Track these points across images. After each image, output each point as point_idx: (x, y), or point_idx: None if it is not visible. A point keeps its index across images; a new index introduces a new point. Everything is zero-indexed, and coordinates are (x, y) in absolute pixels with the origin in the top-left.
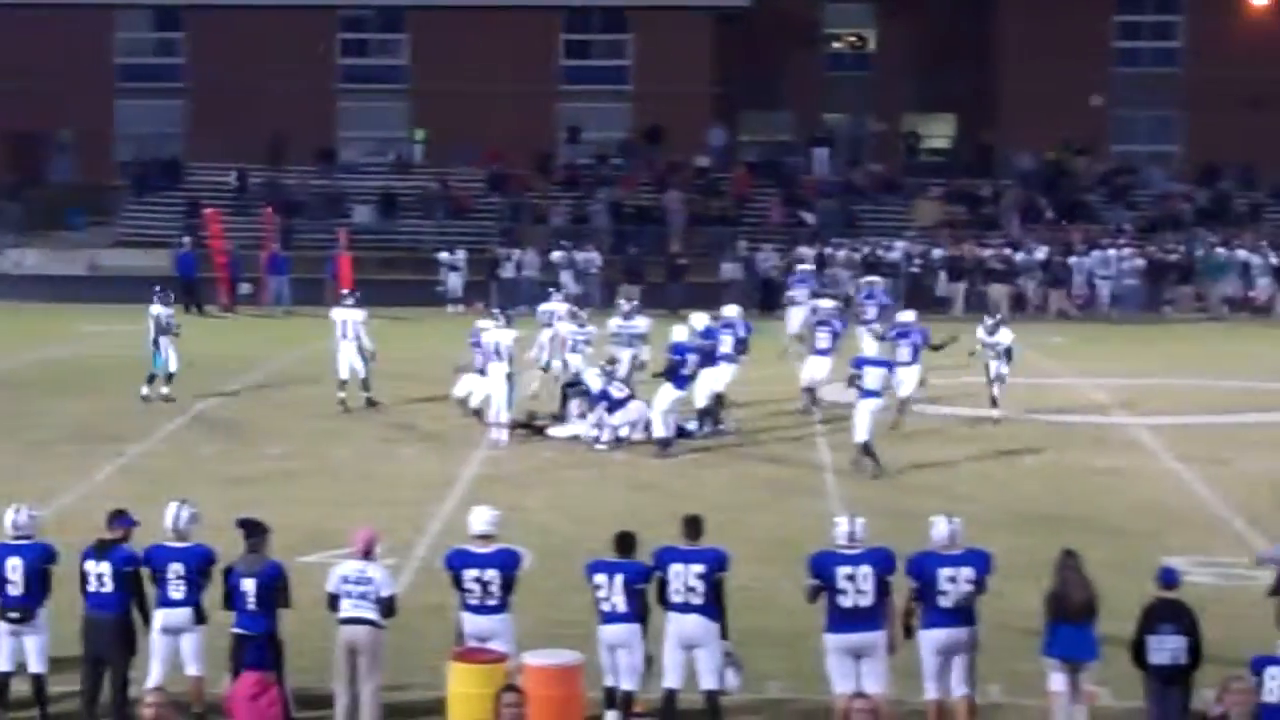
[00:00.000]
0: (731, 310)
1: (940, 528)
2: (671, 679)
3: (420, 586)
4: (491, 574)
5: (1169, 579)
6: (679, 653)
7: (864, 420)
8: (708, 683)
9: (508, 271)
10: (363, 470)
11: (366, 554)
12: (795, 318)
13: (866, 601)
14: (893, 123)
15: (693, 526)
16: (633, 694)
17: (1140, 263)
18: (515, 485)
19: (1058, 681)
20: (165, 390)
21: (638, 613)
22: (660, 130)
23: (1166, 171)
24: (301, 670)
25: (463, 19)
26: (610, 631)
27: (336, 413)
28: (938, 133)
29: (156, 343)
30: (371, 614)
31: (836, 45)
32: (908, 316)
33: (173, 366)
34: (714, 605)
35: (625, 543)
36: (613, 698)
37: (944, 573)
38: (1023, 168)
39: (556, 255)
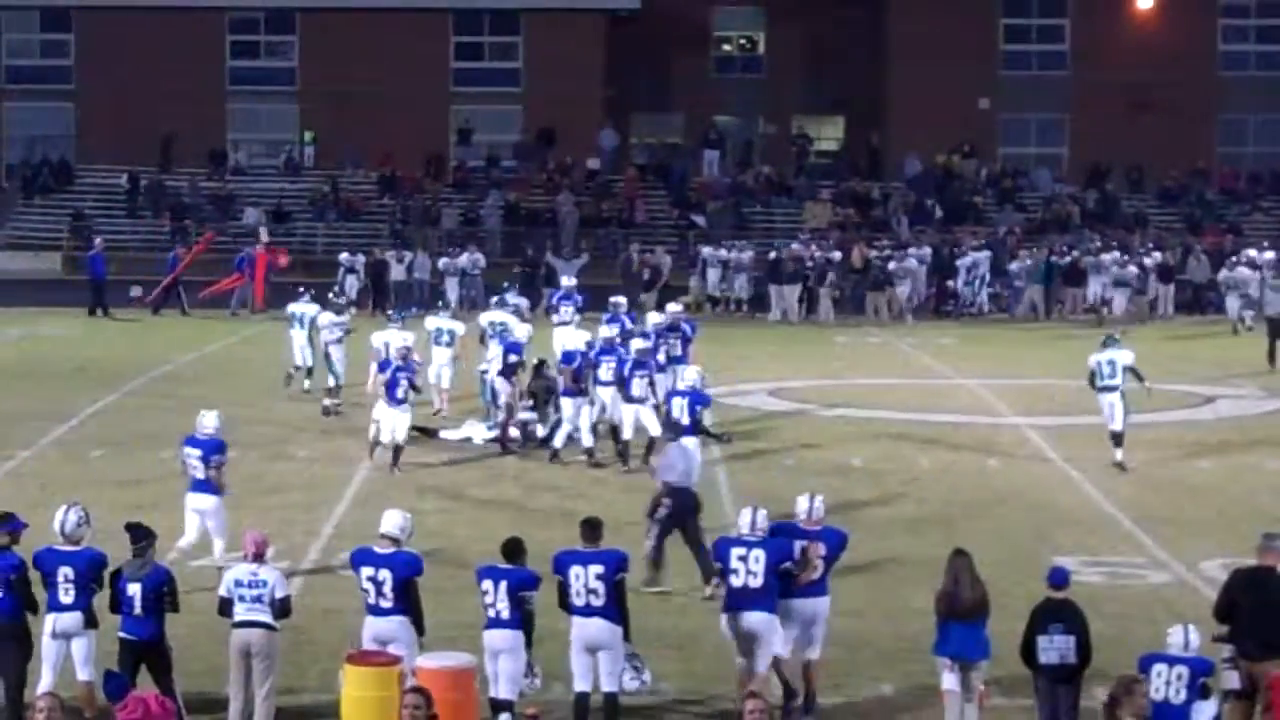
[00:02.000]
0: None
1: (801, 504)
2: (580, 683)
3: (313, 590)
4: (385, 575)
5: (1058, 579)
6: (584, 656)
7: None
8: (606, 685)
9: (398, 274)
10: (254, 472)
11: (258, 557)
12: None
13: (756, 583)
14: (783, 125)
15: (591, 529)
16: (512, 703)
17: (1029, 264)
18: (411, 488)
19: (950, 680)
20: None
21: (520, 620)
22: (551, 132)
23: (1054, 173)
24: (192, 675)
25: (353, 21)
26: (493, 637)
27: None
28: (827, 135)
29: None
30: (265, 617)
31: (726, 48)
32: (656, 318)
33: None
34: (615, 607)
35: (513, 549)
36: (496, 705)
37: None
38: (912, 170)
39: (443, 262)
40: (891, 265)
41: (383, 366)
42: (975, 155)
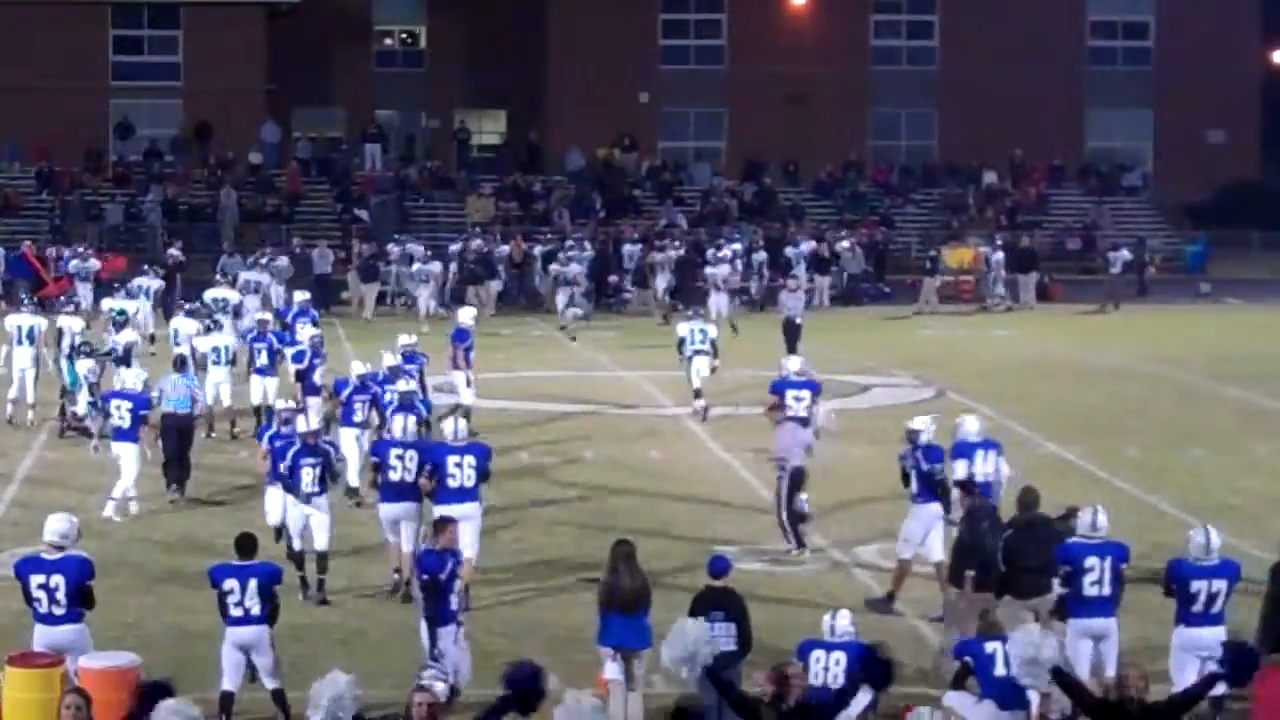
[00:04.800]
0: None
1: None
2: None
3: None
4: (58, 580)
5: (718, 567)
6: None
7: None
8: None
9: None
10: None
11: None
12: None
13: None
14: (445, 119)
15: (244, 544)
16: (282, 690)
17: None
18: (72, 486)
19: (612, 670)
20: None
21: (269, 614)
22: (211, 127)
23: (713, 167)
24: None
25: (8, 12)
26: (242, 634)
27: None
28: (490, 129)
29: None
30: None
31: (387, 42)
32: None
33: None
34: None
35: (246, 545)
36: (227, 704)
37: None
38: (573, 164)
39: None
40: (554, 268)
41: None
42: (635, 149)
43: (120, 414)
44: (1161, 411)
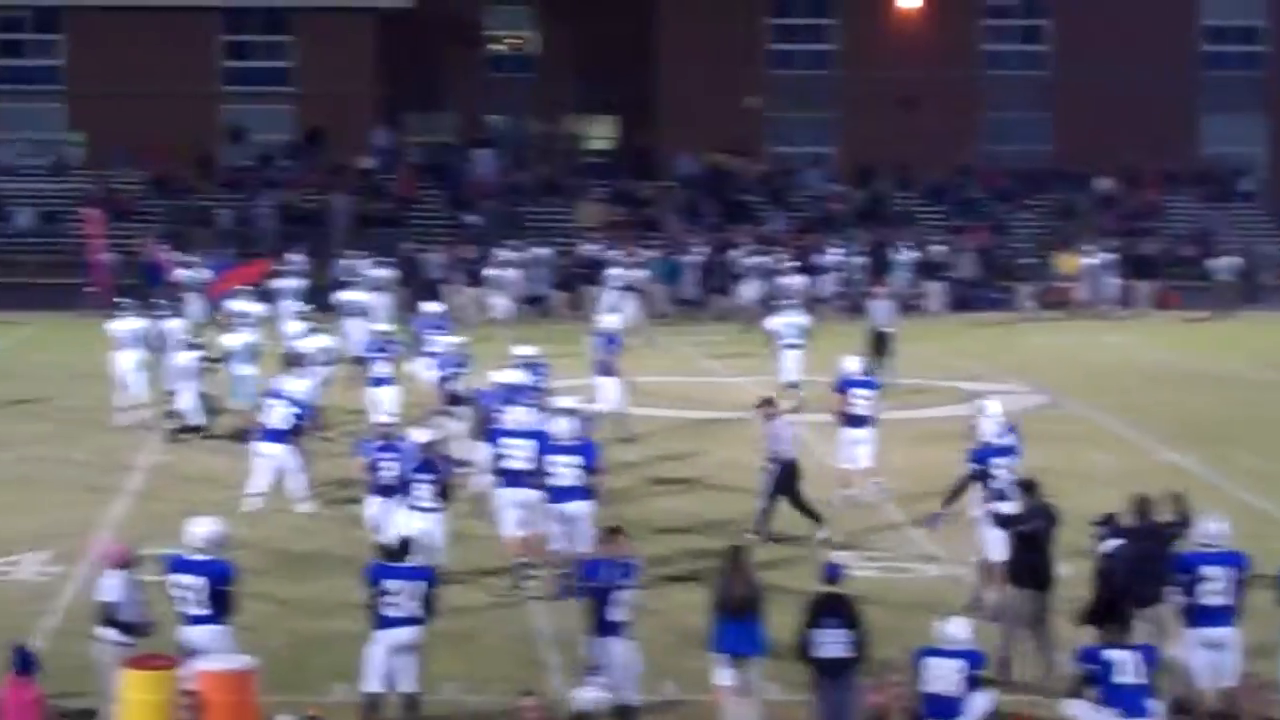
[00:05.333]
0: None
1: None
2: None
3: (90, 594)
4: (199, 582)
5: (832, 574)
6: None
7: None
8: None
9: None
10: (28, 475)
11: (125, 565)
12: None
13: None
14: (555, 124)
15: (400, 547)
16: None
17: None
18: (189, 488)
19: (725, 676)
20: None
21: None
22: (324, 132)
23: (823, 173)
24: None
25: (120, 20)
26: (396, 635)
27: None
28: (599, 134)
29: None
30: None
31: (498, 47)
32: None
33: None
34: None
35: (401, 548)
36: (373, 705)
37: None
38: (683, 169)
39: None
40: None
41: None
42: (746, 154)
43: (279, 415)
44: (1275, 418)
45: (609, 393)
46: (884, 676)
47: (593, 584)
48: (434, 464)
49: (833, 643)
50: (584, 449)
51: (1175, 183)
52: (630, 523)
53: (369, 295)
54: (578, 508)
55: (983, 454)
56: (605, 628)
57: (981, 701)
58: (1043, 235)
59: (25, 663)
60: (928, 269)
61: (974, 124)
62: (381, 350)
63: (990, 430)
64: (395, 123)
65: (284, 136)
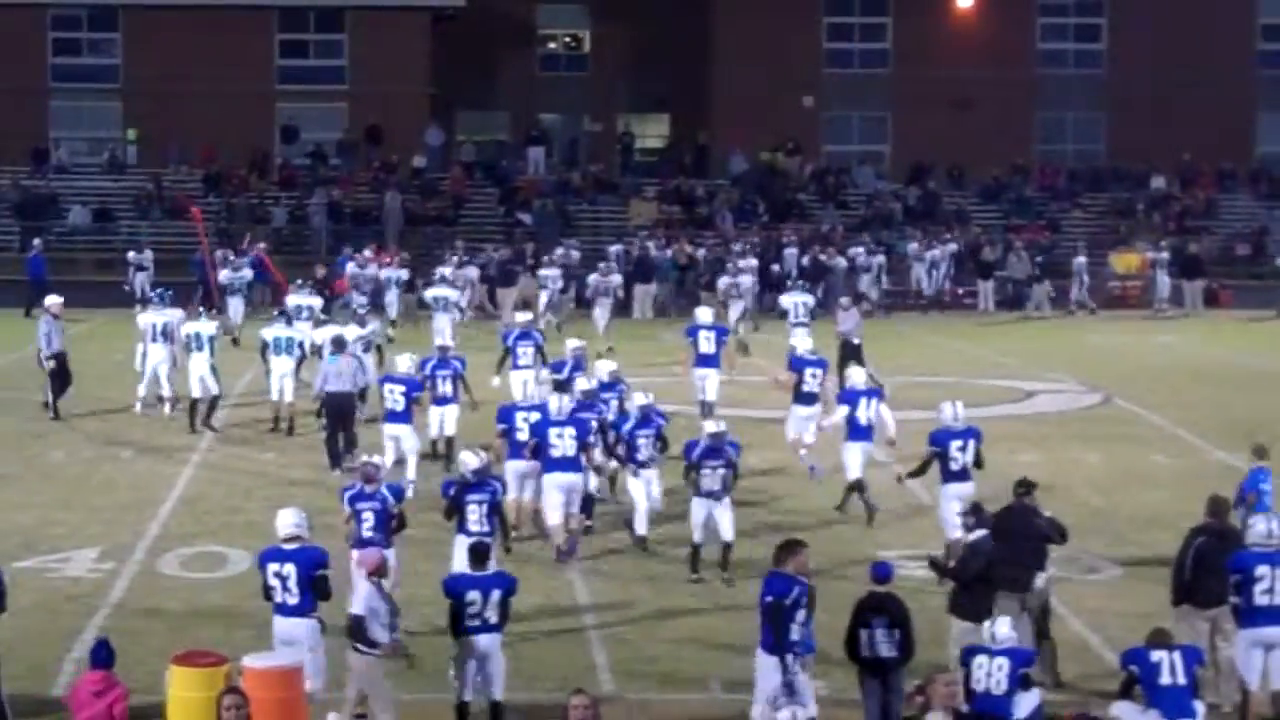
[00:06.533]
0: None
1: None
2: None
3: (139, 591)
4: (290, 569)
5: (881, 573)
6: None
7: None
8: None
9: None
10: (79, 473)
11: (377, 573)
12: None
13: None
14: (608, 123)
15: (479, 553)
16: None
17: (841, 262)
18: (237, 486)
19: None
20: None
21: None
22: (377, 130)
23: (876, 171)
24: (14, 678)
25: (176, 18)
26: (477, 642)
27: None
28: (652, 133)
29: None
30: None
31: (551, 45)
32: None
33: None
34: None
35: (481, 554)
36: (463, 714)
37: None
38: (736, 168)
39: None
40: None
41: (422, 364)
42: (799, 153)
43: (394, 397)
44: None
45: (711, 384)
46: (932, 677)
47: (771, 599)
48: (485, 485)
49: (881, 642)
50: (579, 423)
51: (1231, 181)
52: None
53: (455, 293)
54: (572, 479)
55: (941, 436)
56: (784, 644)
57: (1028, 700)
58: (1098, 234)
59: (103, 655)
60: (980, 268)
61: (1028, 123)
62: (444, 366)
63: (949, 415)
64: (448, 121)
65: (337, 135)
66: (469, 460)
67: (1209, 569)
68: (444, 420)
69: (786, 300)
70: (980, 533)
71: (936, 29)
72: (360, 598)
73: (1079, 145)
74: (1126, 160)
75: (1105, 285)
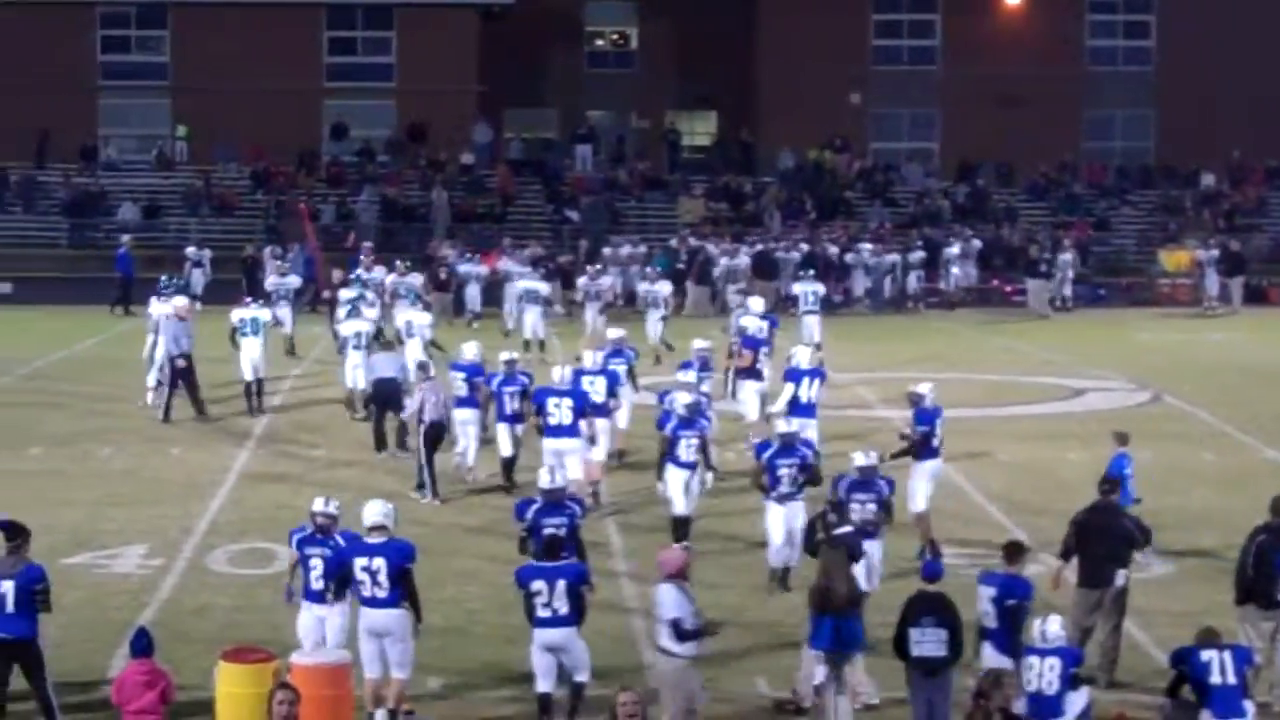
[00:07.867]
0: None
1: None
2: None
3: (187, 587)
4: (379, 563)
5: (931, 572)
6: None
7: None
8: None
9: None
10: (127, 469)
11: (679, 575)
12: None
13: None
14: (655, 120)
15: (551, 546)
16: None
17: (893, 258)
18: (285, 483)
19: (820, 674)
20: None
21: (577, 615)
22: (425, 127)
23: (924, 168)
24: (63, 675)
25: (225, 15)
26: (548, 635)
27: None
28: (700, 130)
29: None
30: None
31: (599, 43)
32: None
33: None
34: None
35: (553, 546)
36: (545, 705)
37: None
38: (784, 165)
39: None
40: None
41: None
42: (847, 150)
43: (459, 383)
44: None
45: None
46: (999, 678)
47: (1008, 602)
48: (562, 507)
49: (929, 641)
50: (577, 394)
51: None
52: (726, 520)
53: (546, 286)
54: (569, 444)
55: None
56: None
57: (1079, 699)
58: (1147, 232)
59: (144, 643)
60: (1028, 266)
61: (1077, 120)
62: (511, 382)
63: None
64: (495, 118)
65: (385, 132)
66: (541, 479)
67: (1270, 568)
68: (514, 438)
69: (798, 288)
70: (846, 529)
71: (985, 25)
72: (669, 603)
73: (1127, 142)
74: (1175, 157)
75: (1154, 283)
